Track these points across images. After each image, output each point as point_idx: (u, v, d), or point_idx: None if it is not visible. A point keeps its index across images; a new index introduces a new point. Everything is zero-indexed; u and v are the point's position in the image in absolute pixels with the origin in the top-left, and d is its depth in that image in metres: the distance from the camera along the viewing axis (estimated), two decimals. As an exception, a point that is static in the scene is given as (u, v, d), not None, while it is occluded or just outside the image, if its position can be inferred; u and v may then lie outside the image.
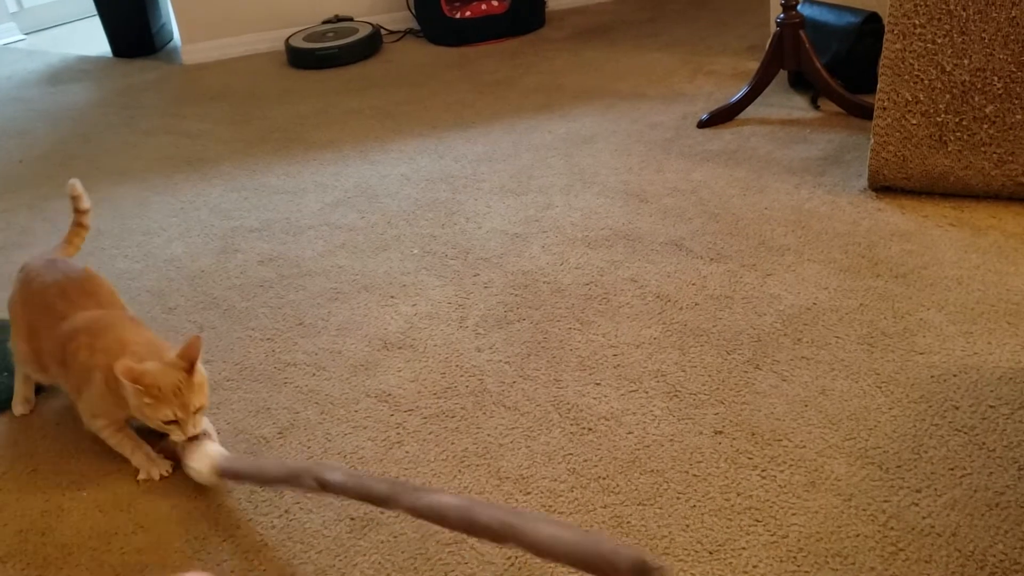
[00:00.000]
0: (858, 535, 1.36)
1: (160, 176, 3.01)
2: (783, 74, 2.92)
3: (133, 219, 2.71)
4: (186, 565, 1.46)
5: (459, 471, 1.58)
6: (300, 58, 3.98)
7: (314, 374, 1.90)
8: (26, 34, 5.65)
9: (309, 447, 1.68)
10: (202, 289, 2.27)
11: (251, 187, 2.83)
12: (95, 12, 4.76)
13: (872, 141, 2.22)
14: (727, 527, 1.40)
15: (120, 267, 2.43)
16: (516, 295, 2.07)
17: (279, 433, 1.73)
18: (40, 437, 1.81)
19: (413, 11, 4.19)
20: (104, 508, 1.60)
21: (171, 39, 4.86)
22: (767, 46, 2.79)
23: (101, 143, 3.41)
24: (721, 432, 1.58)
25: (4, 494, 1.67)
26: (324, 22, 4.24)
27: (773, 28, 2.99)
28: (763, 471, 1.49)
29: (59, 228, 2.73)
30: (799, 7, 2.65)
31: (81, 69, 4.59)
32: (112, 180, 3.04)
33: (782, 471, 1.49)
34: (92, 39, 5.13)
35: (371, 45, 4.03)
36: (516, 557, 1.39)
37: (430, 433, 1.68)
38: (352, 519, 1.50)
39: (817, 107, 2.81)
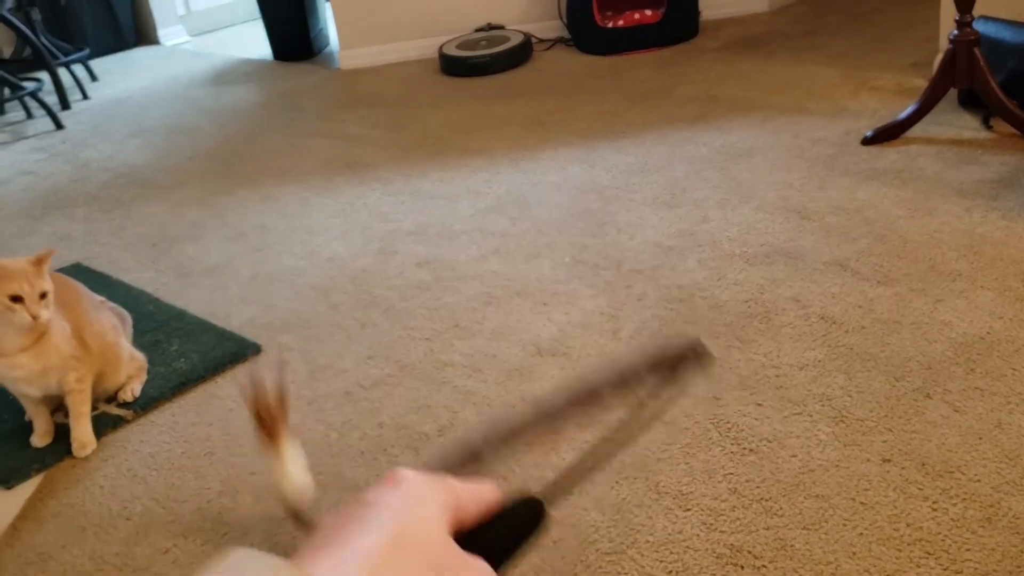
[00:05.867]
0: (1040, 578, 1.30)
1: (321, 177, 3.13)
2: (952, 92, 2.81)
3: (297, 218, 2.83)
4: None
5: (616, 482, 1.58)
6: (453, 66, 4.07)
7: (471, 376, 1.94)
8: (192, 36, 5.97)
9: (468, 448, 1.72)
10: (363, 288, 2.35)
11: (407, 191, 2.92)
12: (257, 16, 4.99)
13: (1054, 165, 2.11)
14: (896, 558, 1.36)
15: (286, 264, 2.55)
16: (671, 309, 2.07)
17: (439, 431, 1.78)
18: (213, 421, 1.92)
19: (565, 20, 4.23)
20: (276, 493, 1.68)
21: (327, 44, 5.05)
22: (937, 63, 2.70)
23: (265, 143, 3.58)
24: (889, 460, 1.54)
25: (184, 473, 1.77)
26: (476, 30, 4.33)
27: (942, 44, 2.89)
28: (934, 503, 1.45)
29: (227, 222, 2.88)
30: (973, 23, 2.55)
31: (244, 71, 4.82)
32: (276, 180, 3.18)
33: (955, 504, 1.44)
34: (253, 42, 5.38)
35: (522, 53, 4.08)
36: (677, 572, 1.39)
37: (585, 442, 1.69)
38: (512, 522, 1.53)
39: (990, 127, 2.69)
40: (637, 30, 3.94)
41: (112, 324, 2.02)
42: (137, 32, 5.81)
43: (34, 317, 1.72)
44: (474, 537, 0.45)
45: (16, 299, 1.70)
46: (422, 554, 0.41)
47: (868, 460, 1.55)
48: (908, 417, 1.63)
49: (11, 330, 1.74)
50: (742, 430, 1.66)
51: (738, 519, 1.47)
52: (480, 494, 0.47)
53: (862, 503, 1.47)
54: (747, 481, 1.54)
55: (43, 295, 1.74)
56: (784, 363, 1.82)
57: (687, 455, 1.62)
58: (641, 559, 1.42)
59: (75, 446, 1.86)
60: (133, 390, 2.01)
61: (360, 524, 0.41)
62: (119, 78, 5.01)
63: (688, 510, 1.50)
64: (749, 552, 1.41)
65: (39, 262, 1.76)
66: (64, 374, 1.82)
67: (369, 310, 2.25)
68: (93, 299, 2.01)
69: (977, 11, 2.53)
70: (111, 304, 2.24)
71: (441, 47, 4.19)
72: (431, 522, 0.43)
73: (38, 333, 1.77)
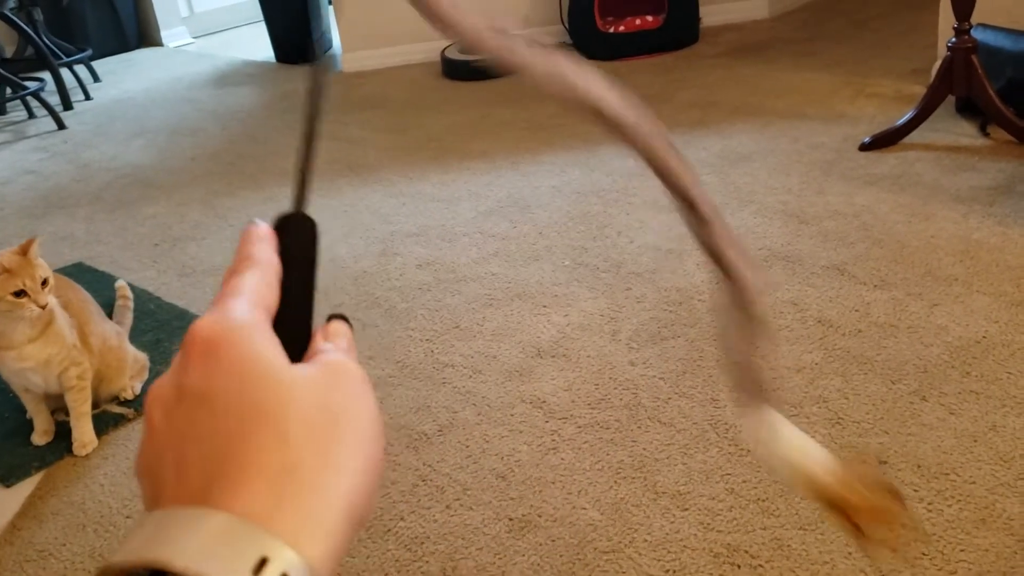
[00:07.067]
0: (1033, 579, 1.31)
1: (323, 179, 3.14)
2: (950, 99, 2.83)
3: (298, 218, 2.85)
4: (352, 551, 1.53)
5: (615, 482, 1.60)
6: (455, 69, 4.09)
7: (471, 376, 1.95)
8: (195, 38, 5.99)
9: (467, 446, 1.74)
10: (365, 289, 2.37)
11: (409, 193, 2.93)
12: (260, 18, 5.01)
13: (1051, 172, 2.13)
14: (891, 558, 1.37)
15: (287, 263, 2.56)
16: (670, 311, 2.08)
17: (439, 431, 1.79)
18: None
19: (566, 25, 4.25)
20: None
21: (330, 47, 5.07)
22: (934, 70, 2.72)
23: (267, 144, 3.59)
24: (886, 462, 1.55)
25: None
26: (478, 34, 4.34)
27: (941, 51, 2.91)
28: (930, 504, 1.46)
29: (230, 223, 2.89)
30: (972, 31, 2.57)
31: (246, 73, 4.84)
32: (279, 180, 3.19)
33: (950, 505, 1.45)
34: (256, 44, 5.40)
35: (523, 58, 4.10)
36: (674, 571, 1.40)
37: (585, 442, 1.71)
38: (511, 519, 1.54)
39: (987, 134, 2.71)
40: (638, 35, 3.96)
41: (116, 331, 2.04)
42: (140, 33, 5.83)
43: (41, 307, 1.74)
44: (285, 304, 0.40)
45: (19, 294, 1.72)
46: (313, 407, 0.36)
47: (864, 462, 1.56)
48: (904, 420, 1.64)
49: (20, 323, 1.76)
50: (739, 431, 1.67)
51: (735, 519, 1.48)
52: (263, 276, 0.40)
53: (858, 504, 1.48)
54: (744, 481, 1.55)
55: (44, 282, 1.77)
56: (781, 366, 1.83)
57: (685, 455, 1.63)
58: (639, 558, 1.44)
59: (76, 445, 1.88)
60: (134, 388, 2.02)
61: (241, 434, 0.34)
62: (122, 79, 5.03)
63: (686, 510, 1.52)
64: (746, 551, 1.42)
65: (25, 251, 1.77)
66: (66, 367, 1.83)
67: (370, 311, 2.26)
68: (98, 306, 2.03)
69: (975, 19, 2.55)
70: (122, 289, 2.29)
71: (443, 51, 4.21)
72: (275, 351, 0.37)
73: (44, 323, 1.79)
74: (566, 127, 3.30)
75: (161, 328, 2.28)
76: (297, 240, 0.42)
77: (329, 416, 0.36)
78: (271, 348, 0.37)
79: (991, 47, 2.71)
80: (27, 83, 4.31)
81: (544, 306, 2.18)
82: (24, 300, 1.72)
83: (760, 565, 1.39)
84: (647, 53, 3.97)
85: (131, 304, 2.30)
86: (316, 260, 0.43)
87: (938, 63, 2.81)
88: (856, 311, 1.97)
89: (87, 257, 2.77)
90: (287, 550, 0.32)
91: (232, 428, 0.35)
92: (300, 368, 0.37)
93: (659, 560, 1.42)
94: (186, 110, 4.25)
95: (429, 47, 4.40)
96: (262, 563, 0.31)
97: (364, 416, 0.38)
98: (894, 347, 1.84)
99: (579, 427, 1.75)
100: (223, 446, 0.34)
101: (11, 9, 4.35)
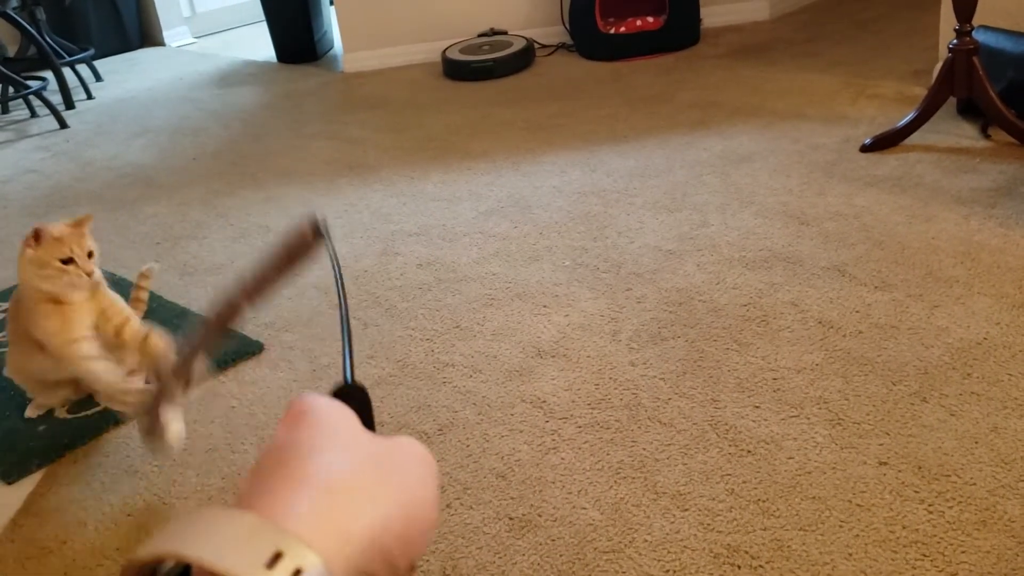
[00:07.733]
0: (1033, 580, 1.31)
1: (324, 179, 3.15)
2: (951, 100, 2.83)
3: (299, 219, 2.85)
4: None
5: (615, 482, 1.60)
6: (456, 70, 4.09)
7: (471, 376, 1.95)
8: (197, 37, 6.00)
9: (468, 446, 1.74)
10: (366, 288, 2.37)
11: (409, 193, 2.93)
12: (262, 18, 5.01)
13: (1052, 173, 2.13)
14: (892, 559, 1.37)
15: (288, 263, 2.56)
16: (670, 312, 2.08)
17: (439, 430, 1.79)
18: (215, 418, 1.93)
19: (567, 26, 4.25)
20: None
21: (331, 47, 5.08)
22: (936, 71, 2.72)
23: (268, 144, 3.59)
24: (886, 463, 1.55)
25: (185, 469, 1.79)
26: (480, 35, 4.35)
27: (942, 53, 2.91)
28: (930, 506, 1.46)
29: (231, 223, 2.89)
30: (973, 33, 2.57)
31: (248, 73, 4.84)
32: (279, 180, 3.20)
33: (951, 507, 1.45)
34: (258, 44, 5.40)
35: (524, 58, 4.11)
36: (674, 571, 1.40)
37: (585, 442, 1.71)
38: (511, 519, 1.54)
39: (988, 136, 2.71)
40: (639, 36, 3.96)
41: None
42: (142, 33, 5.83)
43: (88, 274, 1.78)
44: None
45: (67, 261, 1.75)
46: (367, 456, 0.40)
47: (865, 463, 1.56)
48: (905, 421, 1.64)
49: (70, 289, 1.80)
50: (740, 432, 1.67)
51: (735, 519, 1.48)
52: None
53: (859, 505, 1.48)
54: (744, 482, 1.55)
55: (90, 254, 1.81)
56: (782, 366, 1.83)
57: (685, 456, 1.63)
58: (639, 558, 1.44)
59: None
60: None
61: (299, 460, 0.39)
62: (124, 78, 5.03)
63: (686, 510, 1.52)
64: (746, 552, 1.42)
65: (79, 224, 1.81)
66: (127, 318, 1.88)
67: (371, 310, 2.26)
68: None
69: (977, 20, 2.55)
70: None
71: (444, 51, 4.21)
72: (351, 421, 0.43)
73: (93, 289, 1.82)
74: (566, 127, 3.30)
75: (162, 327, 2.27)
76: (357, 405, 0.48)
77: (379, 468, 0.41)
78: (350, 416, 0.43)
79: (992, 49, 2.71)
80: (30, 82, 4.31)
81: (544, 306, 2.18)
82: (71, 267, 1.76)
83: (760, 566, 1.39)
84: (648, 54, 3.97)
85: (144, 298, 2.30)
86: (373, 422, 0.49)
87: (939, 65, 2.81)
88: (857, 312, 1.97)
89: (88, 256, 2.77)
90: (304, 548, 0.34)
91: (291, 460, 0.39)
92: (371, 433, 0.43)
93: (659, 560, 1.43)
94: (188, 110, 4.25)
95: (430, 47, 4.40)
96: (276, 557, 0.33)
97: (414, 479, 0.42)
98: (895, 348, 1.84)
99: (579, 427, 1.75)
100: (278, 470, 0.38)
101: (14, 8, 4.35)
